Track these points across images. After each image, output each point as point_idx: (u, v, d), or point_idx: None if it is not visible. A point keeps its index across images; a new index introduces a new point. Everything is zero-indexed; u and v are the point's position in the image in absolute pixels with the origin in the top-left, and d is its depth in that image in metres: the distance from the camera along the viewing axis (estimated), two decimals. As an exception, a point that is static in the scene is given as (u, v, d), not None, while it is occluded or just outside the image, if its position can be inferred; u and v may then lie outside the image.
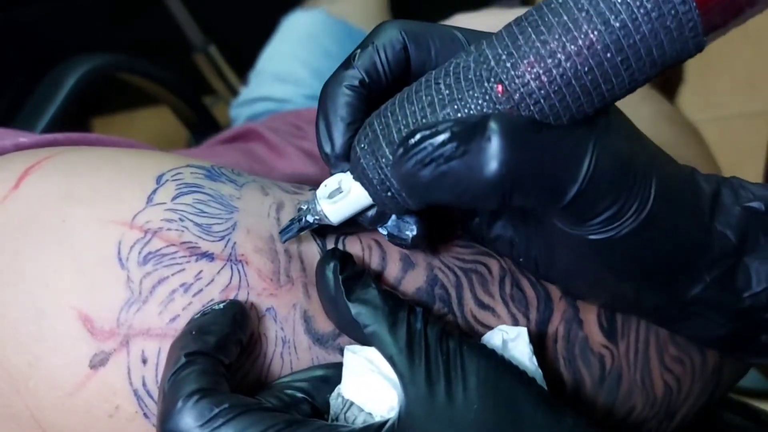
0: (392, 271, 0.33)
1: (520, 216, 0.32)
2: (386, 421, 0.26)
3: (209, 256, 0.31)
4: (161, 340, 0.29)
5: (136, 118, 1.38)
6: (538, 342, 0.34)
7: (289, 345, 0.31)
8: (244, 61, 0.98)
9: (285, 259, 0.32)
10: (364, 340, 0.29)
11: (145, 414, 0.29)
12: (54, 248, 0.30)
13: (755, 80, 1.43)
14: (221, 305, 0.29)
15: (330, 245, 0.33)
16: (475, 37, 0.30)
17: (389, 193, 0.29)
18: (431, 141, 0.26)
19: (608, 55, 0.25)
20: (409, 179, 0.27)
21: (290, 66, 0.88)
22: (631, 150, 0.28)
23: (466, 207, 0.31)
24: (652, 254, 0.29)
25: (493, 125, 0.26)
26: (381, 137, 0.29)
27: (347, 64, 0.31)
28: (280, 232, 0.32)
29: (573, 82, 0.25)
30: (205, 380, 0.26)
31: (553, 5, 0.26)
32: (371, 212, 0.31)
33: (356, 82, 0.30)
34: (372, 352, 0.29)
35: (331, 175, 0.31)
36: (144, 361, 0.29)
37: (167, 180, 0.32)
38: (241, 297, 0.31)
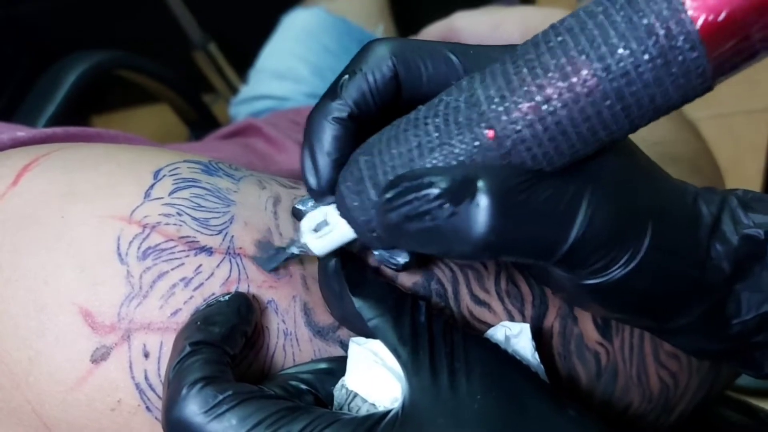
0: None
1: None
2: (389, 411, 0.26)
3: (208, 250, 0.31)
4: (163, 333, 0.29)
5: (136, 116, 1.39)
6: (534, 338, 0.34)
7: (290, 337, 0.31)
8: (243, 59, 0.98)
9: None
10: (368, 332, 0.29)
11: (147, 407, 0.29)
12: (54, 244, 0.30)
13: (755, 77, 1.43)
14: (226, 297, 0.29)
15: None
16: (471, 58, 0.29)
17: (374, 234, 0.28)
18: (417, 194, 0.25)
19: (608, 103, 0.23)
20: (394, 230, 0.26)
21: (290, 64, 0.88)
22: (626, 199, 0.27)
23: (450, 259, 0.31)
24: (644, 294, 0.28)
25: (481, 185, 0.24)
26: (366, 178, 0.28)
27: (333, 93, 0.30)
28: (265, 261, 0.32)
29: (568, 130, 0.24)
30: (209, 369, 0.26)
31: (551, 44, 0.24)
32: (357, 243, 0.31)
33: (344, 116, 0.29)
34: (376, 345, 0.29)
35: (317, 207, 0.31)
36: (146, 355, 0.29)
37: (164, 175, 0.32)
38: (242, 290, 0.31)
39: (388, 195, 0.26)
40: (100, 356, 0.29)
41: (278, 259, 0.31)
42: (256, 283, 0.31)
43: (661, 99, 0.23)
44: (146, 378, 0.29)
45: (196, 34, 1.15)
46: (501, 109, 0.25)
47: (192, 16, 1.14)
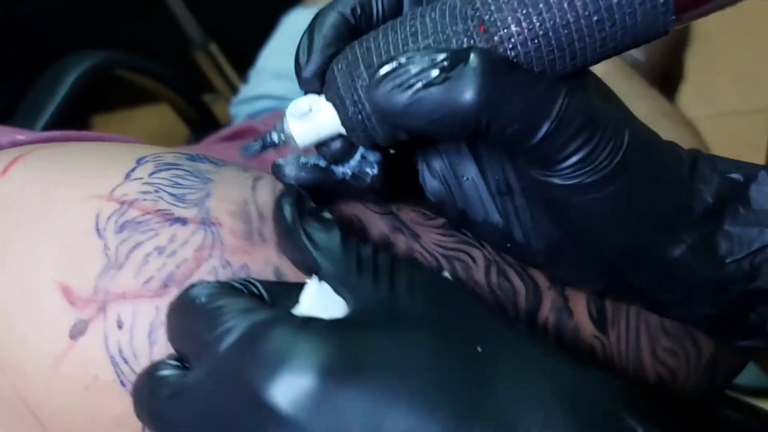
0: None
1: (501, 192, 0.33)
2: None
3: (182, 221, 0.31)
4: (136, 302, 0.29)
5: (136, 116, 1.39)
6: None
7: None
8: (244, 59, 0.98)
9: (258, 221, 0.32)
10: (314, 266, 0.28)
11: (121, 382, 0.29)
12: (38, 225, 0.30)
13: (754, 76, 1.43)
14: None
15: None
16: None
17: (360, 116, 0.29)
18: (411, 65, 0.27)
19: (585, 12, 0.26)
20: (384, 102, 0.27)
21: (290, 63, 0.87)
22: (604, 103, 0.29)
23: (436, 136, 0.31)
24: (627, 207, 0.29)
25: (473, 56, 0.27)
26: (360, 59, 0.29)
27: None
28: (242, 149, 0.32)
29: (550, 33, 0.27)
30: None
31: None
32: (336, 144, 0.31)
33: (348, 11, 0.31)
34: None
35: (304, 95, 0.31)
36: (120, 326, 0.29)
37: (147, 161, 0.33)
38: (215, 255, 0.31)
39: (383, 70, 0.27)
40: (77, 332, 0.29)
41: (255, 145, 0.31)
42: (230, 248, 0.31)
43: (629, 20, 0.27)
44: (120, 350, 0.29)
45: (196, 34, 1.15)
46: (493, 7, 0.27)
47: (192, 16, 1.14)
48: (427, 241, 0.34)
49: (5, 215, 0.31)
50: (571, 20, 0.27)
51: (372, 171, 0.31)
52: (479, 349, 0.25)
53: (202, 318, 0.25)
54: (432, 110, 0.27)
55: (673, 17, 0.26)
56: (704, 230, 0.31)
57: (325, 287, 0.27)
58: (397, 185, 0.34)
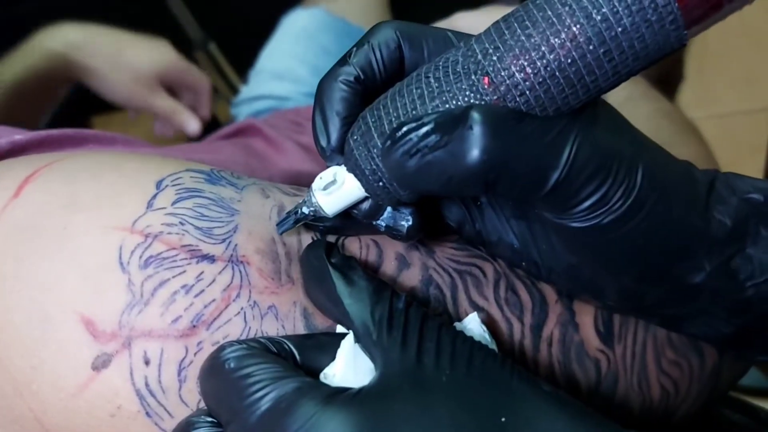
0: (388, 269, 0.34)
1: (516, 216, 0.33)
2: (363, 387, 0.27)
3: (210, 258, 0.31)
4: (163, 341, 0.29)
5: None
6: (533, 345, 0.34)
7: None
8: (244, 59, 0.98)
9: (286, 261, 0.32)
10: (345, 318, 0.29)
11: (147, 413, 0.29)
12: (56, 255, 0.30)
13: (754, 77, 1.43)
14: None
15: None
16: (468, 38, 0.31)
17: (381, 183, 0.30)
18: (417, 132, 0.27)
19: (590, 47, 0.26)
20: (397, 169, 0.28)
21: (290, 64, 0.88)
22: (616, 140, 0.28)
23: (454, 195, 0.32)
24: (645, 243, 0.29)
25: (475, 115, 0.26)
26: (373, 129, 0.30)
27: (343, 61, 0.32)
28: (276, 224, 0.32)
29: (557, 73, 0.26)
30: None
31: (538, 2, 0.27)
32: (365, 205, 0.32)
33: (352, 78, 0.31)
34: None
35: (327, 167, 0.32)
36: (146, 362, 0.29)
37: (167, 185, 0.32)
38: (243, 295, 0.31)
39: (392, 138, 0.28)
40: (101, 363, 0.29)
41: (289, 221, 0.32)
42: (258, 288, 0.31)
43: (639, 45, 0.26)
44: (147, 384, 0.29)
45: (196, 34, 1.15)
46: (495, 57, 0.27)
47: (192, 16, 1.14)
48: (441, 256, 0.35)
49: (21, 240, 0.30)
50: (577, 57, 0.26)
51: (407, 223, 0.32)
52: (503, 419, 0.25)
53: (231, 385, 0.26)
54: (440, 173, 0.27)
55: (685, 32, 0.26)
56: (725, 254, 0.30)
57: (358, 346, 0.28)
58: (430, 223, 0.34)
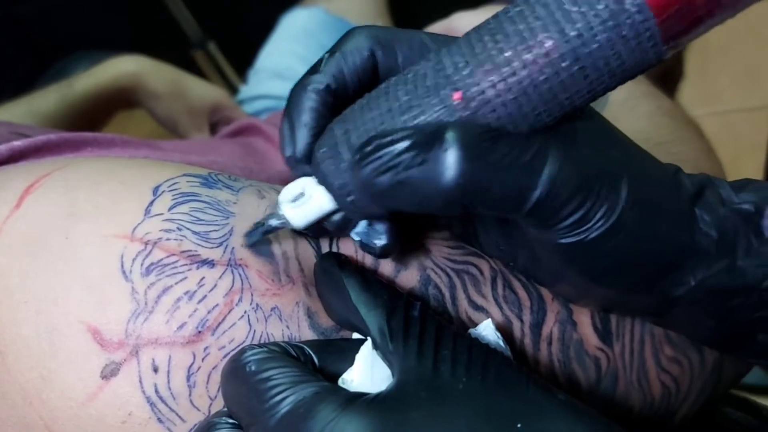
0: (385, 270, 0.33)
1: (500, 224, 0.32)
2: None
3: (210, 263, 0.31)
4: (170, 348, 0.30)
5: (136, 116, 1.38)
6: (533, 344, 0.34)
7: (295, 341, 0.31)
8: (243, 59, 0.98)
9: (283, 261, 0.32)
10: (362, 327, 0.29)
11: (159, 419, 0.29)
12: (60, 266, 0.30)
13: (755, 74, 1.43)
14: None
15: (324, 246, 0.34)
16: (444, 44, 0.30)
17: (350, 198, 0.29)
18: (389, 149, 0.26)
19: (563, 64, 0.25)
20: (367, 186, 0.27)
21: (289, 63, 0.88)
22: (597, 157, 0.28)
23: (427, 214, 0.31)
24: (629, 258, 0.29)
25: (450, 135, 0.25)
26: (341, 143, 0.28)
27: (314, 69, 0.31)
28: (244, 235, 0.32)
29: (529, 91, 0.25)
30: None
31: (510, 14, 0.26)
32: (337, 217, 0.31)
33: (322, 87, 0.30)
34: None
35: (294, 179, 0.31)
36: (155, 370, 0.29)
37: (163, 191, 0.32)
38: (246, 299, 0.31)
39: (361, 153, 0.27)
40: (109, 372, 0.29)
41: (257, 233, 0.31)
42: (260, 291, 0.31)
43: (615, 62, 0.25)
44: (156, 391, 0.29)
45: (196, 34, 1.15)
46: (465, 72, 0.26)
47: (192, 16, 1.14)
48: (438, 255, 0.34)
49: (25, 253, 0.31)
50: (550, 74, 0.25)
51: (380, 242, 0.30)
52: (519, 426, 0.25)
53: (252, 388, 0.26)
54: (413, 193, 0.26)
55: (664, 47, 0.25)
56: (712, 269, 0.30)
57: (376, 353, 0.28)
58: (407, 232, 0.33)
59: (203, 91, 0.84)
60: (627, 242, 0.28)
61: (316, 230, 0.32)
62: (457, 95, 0.26)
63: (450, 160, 0.25)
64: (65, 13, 1.28)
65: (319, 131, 0.30)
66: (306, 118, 0.30)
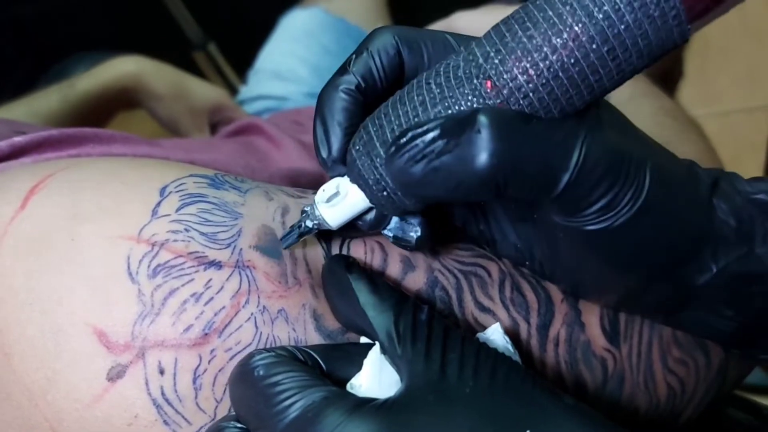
0: (393, 271, 0.34)
1: (520, 217, 0.32)
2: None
3: (217, 265, 0.31)
4: (177, 350, 0.29)
5: (136, 116, 1.38)
6: (540, 345, 0.34)
7: (301, 344, 0.31)
8: (243, 59, 0.98)
9: (291, 262, 0.32)
10: (370, 330, 0.29)
11: (165, 421, 0.29)
12: (65, 267, 0.30)
13: (755, 75, 1.43)
14: None
15: (335, 248, 0.34)
16: (467, 41, 0.31)
17: (385, 193, 0.29)
18: (422, 138, 0.27)
19: (593, 46, 0.25)
20: (401, 176, 0.27)
21: (289, 64, 0.88)
22: (623, 140, 0.28)
23: (461, 201, 0.31)
24: (653, 243, 0.29)
25: (482, 118, 0.26)
26: (375, 138, 0.29)
27: (343, 70, 0.31)
28: (280, 239, 0.32)
29: (560, 74, 0.26)
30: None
31: (538, 2, 0.26)
32: (370, 216, 0.31)
33: (352, 87, 0.31)
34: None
35: (329, 179, 0.31)
36: (161, 372, 0.29)
37: (171, 192, 0.32)
38: (252, 301, 0.31)
39: (396, 145, 0.27)
40: (115, 374, 0.29)
41: (292, 236, 0.32)
42: (266, 293, 0.31)
43: (642, 42, 0.25)
44: (163, 393, 0.29)
45: (196, 34, 1.15)
46: (497, 61, 0.26)
47: (192, 16, 1.14)
48: (446, 257, 0.35)
49: (30, 254, 0.31)
50: (580, 56, 0.25)
51: (415, 234, 0.31)
52: (526, 430, 0.25)
53: (260, 392, 0.26)
54: (447, 179, 0.27)
55: (689, 27, 0.25)
56: (731, 256, 0.30)
57: (384, 358, 0.28)
58: (439, 236, 0.34)
59: (204, 91, 0.85)
60: (651, 227, 0.28)
61: (349, 230, 0.32)
62: (489, 83, 0.27)
63: (483, 142, 0.26)
64: (65, 14, 1.28)
65: (352, 131, 0.31)
66: (339, 118, 0.31)
